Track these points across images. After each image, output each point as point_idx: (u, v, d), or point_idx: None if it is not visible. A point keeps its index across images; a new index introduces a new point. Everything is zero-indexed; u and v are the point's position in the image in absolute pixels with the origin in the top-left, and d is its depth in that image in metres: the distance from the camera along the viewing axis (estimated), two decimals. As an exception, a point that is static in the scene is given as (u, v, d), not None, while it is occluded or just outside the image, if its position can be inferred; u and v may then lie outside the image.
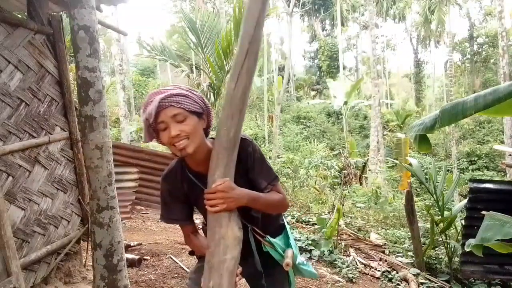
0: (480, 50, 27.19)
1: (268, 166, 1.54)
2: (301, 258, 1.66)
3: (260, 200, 1.46)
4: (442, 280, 4.71)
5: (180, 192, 1.54)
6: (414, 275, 4.62)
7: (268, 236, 1.56)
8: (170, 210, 1.59)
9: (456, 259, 5.00)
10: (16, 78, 2.75)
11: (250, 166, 1.48)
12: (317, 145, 15.28)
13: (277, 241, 1.59)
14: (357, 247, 5.51)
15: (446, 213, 5.22)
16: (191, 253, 1.74)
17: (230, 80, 1.33)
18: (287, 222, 1.87)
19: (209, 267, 1.33)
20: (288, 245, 1.62)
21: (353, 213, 7.64)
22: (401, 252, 5.60)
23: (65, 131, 3.22)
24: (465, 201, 4.76)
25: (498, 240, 2.21)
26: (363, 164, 13.13)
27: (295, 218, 6.45)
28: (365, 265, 4.96)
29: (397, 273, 4.75)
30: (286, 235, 1.67)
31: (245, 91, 1.31)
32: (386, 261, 5.18)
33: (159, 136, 1.40)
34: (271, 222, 1.66)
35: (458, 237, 5.06)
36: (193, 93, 1.41)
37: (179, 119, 1.34)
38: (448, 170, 11.61)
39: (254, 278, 1.58)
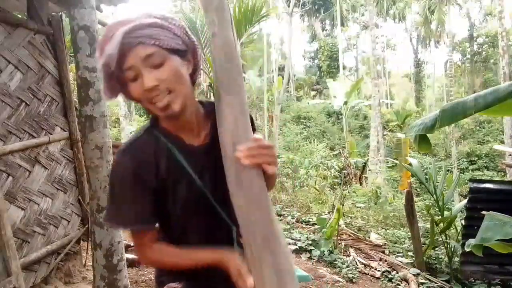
0: (480, 50, 27.18)
1: None
2: None
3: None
4: (442, 280, 4.71)
5: (152, 173, 1.01)
6: (414, 275, 4.62)
7: None
8: (130, 204, 1.01)
9: (456, 259, 5.00)
10: (16, 78, 2.75)
11: None
12: (317, 145, 15.27)
13: None
14: (357, 247, 5.51)
15: (446, 213, 5.23)
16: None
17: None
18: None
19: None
20: None
21: (353, 213, 7.64)
22: (401, 252, 5.60)
23: (65, 131, 3.22)
24: (465, 201, 4.77)
25: (498, 240, 2.21)
26: (363, 164, 13.12)
27: (295, 218, 6.45)
28: (365, 265, 4.96)
29: (397, 273, 4.75)
30: None
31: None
32: (386, 261, 5.18)
33: (127, 89, 0.97)
34: None
35: (458, 237, 5.06)
36: (171, 22, 0.98)
37: (155, 62, 0.93)
38: (448, 170, 11.61)
39: None
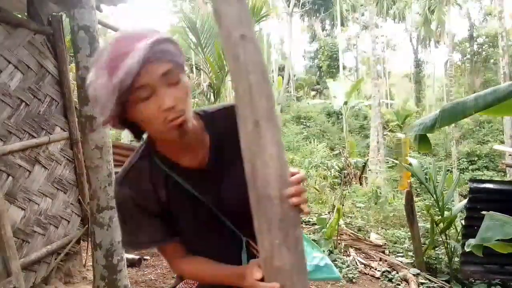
0: (480, 50, 27.21)
1: None
2: (312, 263, 1.42)
3: None
4: (442, 280, 4.71)
5: (153, 201, 1.00)
6: (414, 275, 4.62)
7: None
8: (139, 230, 1.02)
9: (456, 259, 5.00)
10: (16, 78, 2.75)
11: None
12: (317, 145, 15.27)
13: None
14: (357, 247, 5.51)
15: (446, 213, 5.23)
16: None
17: None
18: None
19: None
20: None
21: (353, 213, 7.63)
22: (401, 252, 5.60)
23: (65, 131, 3.23)
24: (465, 201, 4.76)
25: (498, 240, 2.21)
26: (363, 164, 13.11)
27: (295, 218, 6.45)
28: (365, 265, 4.96)
29: (397, 273, 4.75)
30: None
31: None
32: (386, 261, 5.18)
33: (132, 111, 0.87)
34: None
35: (458, 237, 5.06)
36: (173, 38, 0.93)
37: (171, 81, 0.86)
38: (448, 170, 11.59)
39: None
